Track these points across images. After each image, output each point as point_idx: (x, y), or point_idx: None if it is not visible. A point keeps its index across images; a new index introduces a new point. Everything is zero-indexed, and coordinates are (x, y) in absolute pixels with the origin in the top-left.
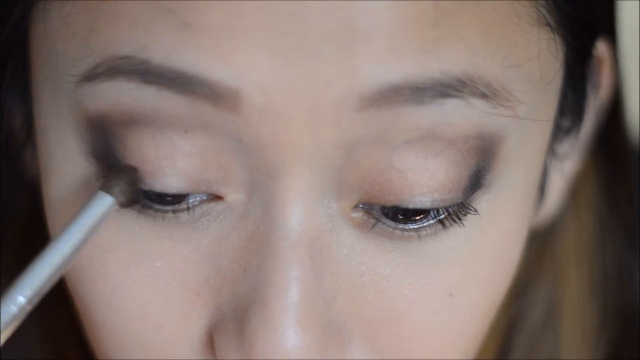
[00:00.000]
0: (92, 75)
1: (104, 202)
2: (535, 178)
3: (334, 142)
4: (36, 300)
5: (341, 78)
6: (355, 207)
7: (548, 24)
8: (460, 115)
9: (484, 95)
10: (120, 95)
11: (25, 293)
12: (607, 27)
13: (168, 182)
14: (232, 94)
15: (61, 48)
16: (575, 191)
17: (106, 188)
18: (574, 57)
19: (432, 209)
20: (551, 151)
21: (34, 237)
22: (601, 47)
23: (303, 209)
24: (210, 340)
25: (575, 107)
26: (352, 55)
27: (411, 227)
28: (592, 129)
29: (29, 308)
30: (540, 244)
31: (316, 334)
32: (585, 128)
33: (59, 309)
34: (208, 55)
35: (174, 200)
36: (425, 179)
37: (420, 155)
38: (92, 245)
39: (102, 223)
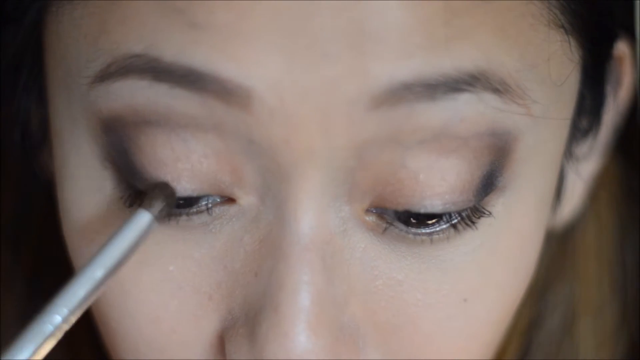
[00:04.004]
0: (105, 75)
1: (143, 219)
2: (552, 181)
3: (346, 142)
4: (73, 320)
5: (352, 77)
6: (368, 210)
7: (562, 26)
8: (473, 111)
9: (496, 91)
10: (133, 94)
11: (62, 312)
12: (626, 25)
13: (182, 185)
14: (243, 92)
15: (74, 50)
16: (595, 191)
17: (146, 205)
18: (591, 60)
19: (445, 214)
20: (569, 153)
21: (51, 237)
22: (621, 46)
23: (315, 211)
24: (222, 344)
25: (593, 109)
26: (362, 54)
27: (423, 231)
28: (612, 129)
29: (65, 327)
30: (560, 244)
31: (328, 338)
32: (604, 129)
33: None
34: (218, 53)
35: (187, 203)
36: (437, 179)
37: (433, 155)
38: None
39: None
